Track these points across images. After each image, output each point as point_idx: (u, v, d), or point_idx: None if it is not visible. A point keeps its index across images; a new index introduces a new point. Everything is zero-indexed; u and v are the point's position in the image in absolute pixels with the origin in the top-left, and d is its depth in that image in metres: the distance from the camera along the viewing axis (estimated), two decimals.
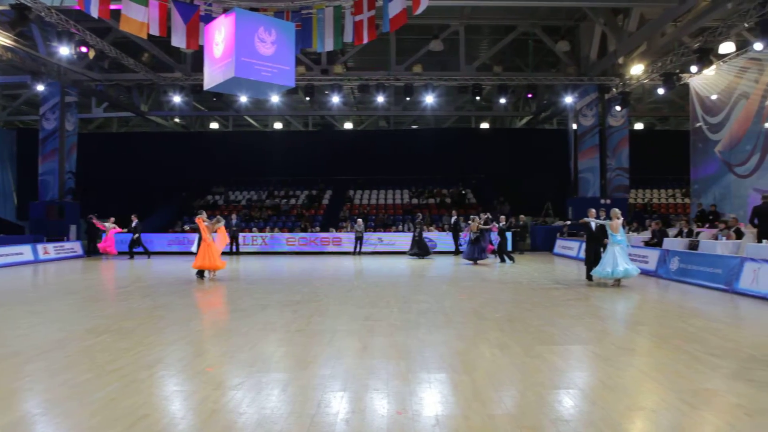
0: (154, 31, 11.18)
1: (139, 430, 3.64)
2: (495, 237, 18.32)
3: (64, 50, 16.15)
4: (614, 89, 21.29)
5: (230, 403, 4.15)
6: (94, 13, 10.69)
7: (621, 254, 10.78)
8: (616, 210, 11.16)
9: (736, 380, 4.65)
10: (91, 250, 20.44)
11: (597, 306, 8.96)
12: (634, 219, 21.11)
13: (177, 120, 30.61)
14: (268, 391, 4.43)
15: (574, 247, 18.58)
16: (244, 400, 4.20)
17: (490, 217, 17.98)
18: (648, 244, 14.55)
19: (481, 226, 16.83)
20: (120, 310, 8.49)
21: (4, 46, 16.55)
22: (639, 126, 30.69)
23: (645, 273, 13.41)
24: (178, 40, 11.41)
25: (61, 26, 15.16)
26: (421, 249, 19.27)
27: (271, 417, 3.86)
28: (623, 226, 11.29)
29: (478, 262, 16.75)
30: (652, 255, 13.48)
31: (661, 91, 19.57)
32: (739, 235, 12.43)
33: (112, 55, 17.95)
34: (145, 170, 28.00)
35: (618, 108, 21.52)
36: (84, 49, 16.48)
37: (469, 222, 17.75)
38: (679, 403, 4.08)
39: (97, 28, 17.17)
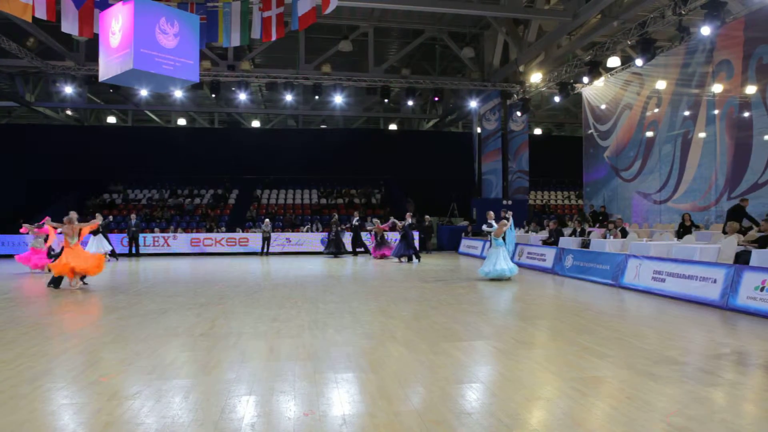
0: (41, 14, 10.27)
1: None
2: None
3: None
4: (515, 95, 22.41)
5: (127, 413, 3.92)
6: None
7: (503, 256, 11.99)
8: (498, 219, 12.74)
9: (620, 368, 5.04)
10: None
11: (498, 302, 9.39)
12: (534, 219, 22.32)
13: (69, 112, 28.51)
14: (168, 398, 4.23)
15: (479, 246, 19.35)
16: (142, 410, 3.98)
17: (395, 220, 18.48)
18: (546, 243, 15.44)
19: (405, 225, 17.50)
20: None
21: None
22: (538, 131, 32.54)
23: (543, 270, 14.23)
24: (69, 27, 10.57)
25: None
26: (337, 248, 19.38)
27: (171, 426, 3.69)
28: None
29: (401, 259, 17.46)
30: (549, 253, 14.32)
31: (557, 99, 20.87)
32: (624, 233, 13.50)
33: None
34: (32, 166, 25.76)
35: (519, 113, 22.69)
36: None
37: (374, 222, 18.91)
38: (571, 391, 4.36)
39: None
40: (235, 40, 11.92)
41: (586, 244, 13.67)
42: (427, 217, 22.89)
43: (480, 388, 4.49)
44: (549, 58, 19.83)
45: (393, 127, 31.77)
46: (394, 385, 4.56)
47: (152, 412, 3.93)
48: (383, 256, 18.67)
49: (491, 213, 13.00)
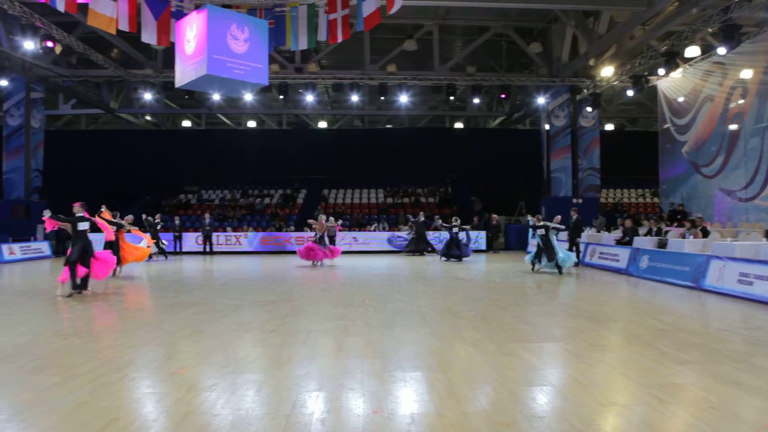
0: (124, 26, 10.92)
1: None
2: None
3: (29, 44, 15.69)
4: (585, 90, 21.65)
5: (204, 404, 4.10)
6: (60, 6, 10.40)
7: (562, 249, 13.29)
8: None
9: (703, 375, 4.77)
10: (59, 251, 19.90)
11: (569, 303, 9.10)
12: (607, 218, 21.48)
13: (148, 117, 30.06)
14: (242, 391, 4.38)
15: None
16: (219, 402, 4.14)
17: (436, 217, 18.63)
18: (620, 242, 14.82)
19: (457, 226, 17.64)
20: (88, 311, 8.31)
21: None
22: (609, 127, 31.28)
23: (616, 271, 13.68)
24: (149, 36, 11.18)
25: (25, 19, 14.73)
26: (417, 246, 19.74)
27: (245, 418, 3.82)
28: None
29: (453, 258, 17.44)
30: (623, 253, 13.75)
31: (630, 92, 19.98)
32: (706, 233, 12.76)
33: (80, 50, 17.53)
34: (115, 169, 27.43)
35: (589, 109, 21.91)
36: (50, 44, 16.05)
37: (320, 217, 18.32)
38: (648, 398, 4.17)
39: (63, 23, 16.75)
40: (303, 43, 12.19)
41: (662, 244, 13.02)
42: (494, 216, 22.55)
43: (551, 391, 4.38)
44: (621, 51, 19.01)
45: (459, 125, 31.40)
46: (462, 385, 4.51)
47: (228, 404, 4.09)
48: (311, 259, 16.02)
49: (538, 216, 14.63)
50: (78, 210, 9.76)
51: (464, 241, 18.12)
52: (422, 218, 20.16)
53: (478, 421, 3.74)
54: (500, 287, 10.91)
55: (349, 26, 11.82)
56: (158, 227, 18.74)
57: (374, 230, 22.91)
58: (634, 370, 4.94)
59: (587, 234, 16.63)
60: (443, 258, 17.67)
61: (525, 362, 5.22)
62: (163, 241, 19.04)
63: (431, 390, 4.41)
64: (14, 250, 18.16)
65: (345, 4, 11.70)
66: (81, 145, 28.43)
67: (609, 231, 17.49)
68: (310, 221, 16.63)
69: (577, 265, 14.96)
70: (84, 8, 11.05)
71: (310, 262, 16.09)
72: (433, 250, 20.11)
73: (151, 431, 3.63)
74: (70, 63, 20.43)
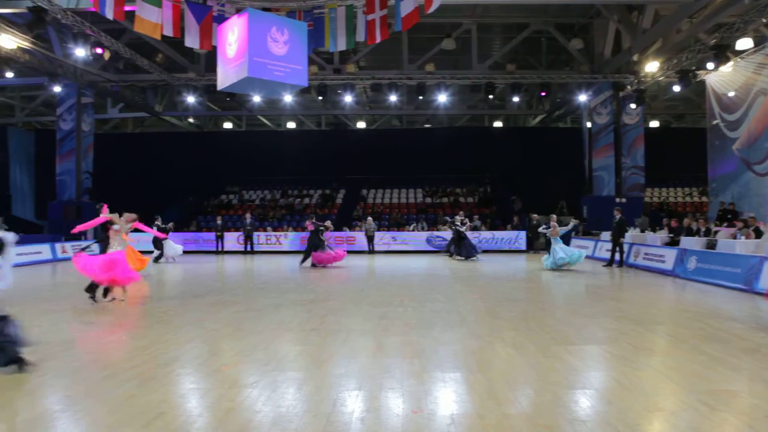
0: (168, 32, 11.24)
1: (156, 428, 3.67)
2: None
3: (80, 52, 16.34)
4: (629, 87, 21.08)
5: (246, 401, 4.18)
6: (109, 14, 10.78)
7: (560, 248, 14.03)
8: (553, 216, 15.31)
9: (756, 381, 4.58)
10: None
11: (613, 305, 8.87)
12: (651, 218, 20.85)
13: (191, 120, 30.83)
14: (283, 389, 4.44)
15: (590, 246, 18.41)
16: (260, 399, 4.21)
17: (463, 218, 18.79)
18: (673, 240, 14.34)
19: (457, 226, 17.98)
20: (136, 308, 8.57)
21: (21, 48, 16.78)
22: (654, 124, 30.35)
23: (661, 272, 13.27)
24: (192, 41, 11.47)
25: (76, 28, 15.33)
26: (457, 246, 19.58)
27: (286, 415, 3.87)
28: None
29: (470, 258, 17.62)
30: (669, 254, 13.32)
31: (676, 88, 19.33)
32: (759, 234, 12.23)
33: (127, 56, 18.12)
34: (160, 170, 28.20)
35: (633, 106, 21.34)
36: (99, 51, 16.68)
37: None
38: (697, 404, 4.03)
39: (111, 30, 17.34)
40: (341, 44, 12.28)
41: (711, 245, 12.56)
42: (534, 215, 22.18)
43: (594, 395, 4.28)
44: (667, 45, 18.41)
45: (498, 124, 31.05)
46: (502, 386, 4.46)
47: (269, 401, 4.15)
48: (323, 263, 15.68)
49: (554, 216, 15.08)
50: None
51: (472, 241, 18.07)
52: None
53: (519, 424, 3.69)
54: (540, 288, 10.73)
55: (387, 26, 11.84)
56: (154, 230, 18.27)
57: (413, 230, 22.87)
58: (682, 375, 4.78)
59: (631, 234, 16.18)
60: (458, 257, 17.78)
61: (567, 365, 5.12)
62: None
63: (471, 391, 4.38)
64: (66, 248, 18.90)
65: (383, 4, 11.72)
66: (128, 148, 29.36)
67: (654, 231, 16.97)
68: (325, 226, 16.14)
69: (620, 266, 14.63)
70: (131, 15, 11.42)
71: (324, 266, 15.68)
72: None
73: (196, 426, 3.72)
74: (118, 68, 21.18)
